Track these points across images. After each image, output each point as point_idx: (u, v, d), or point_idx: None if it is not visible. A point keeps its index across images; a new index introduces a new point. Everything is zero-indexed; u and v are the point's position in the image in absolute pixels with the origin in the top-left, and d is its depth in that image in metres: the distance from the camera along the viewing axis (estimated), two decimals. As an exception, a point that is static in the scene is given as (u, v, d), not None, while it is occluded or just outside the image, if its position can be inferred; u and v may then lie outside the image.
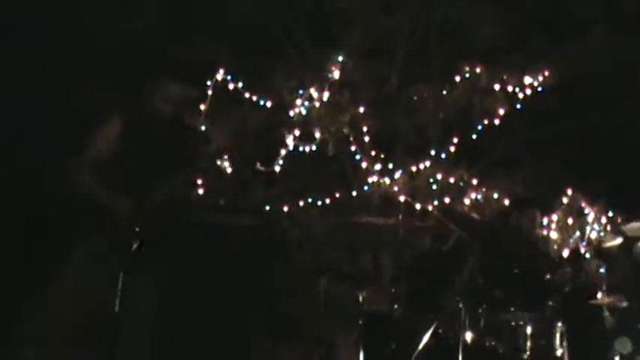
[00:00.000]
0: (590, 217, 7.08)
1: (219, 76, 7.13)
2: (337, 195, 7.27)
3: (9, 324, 4.58)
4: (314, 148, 7.33)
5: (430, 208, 7.10)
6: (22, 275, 5.22)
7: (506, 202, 7.08)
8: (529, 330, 5.35)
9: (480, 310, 5.26)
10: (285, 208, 7.11)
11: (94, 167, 3.97)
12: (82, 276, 3.93)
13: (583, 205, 7.13)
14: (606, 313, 5.73)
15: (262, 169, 7.18)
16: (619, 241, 6.15)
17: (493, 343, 5.25)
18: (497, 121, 7.49)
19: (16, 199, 5.50)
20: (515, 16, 7.85)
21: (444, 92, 7.63)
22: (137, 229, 3.78)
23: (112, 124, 4.06)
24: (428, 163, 7.31)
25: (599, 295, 5.68)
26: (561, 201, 7.16)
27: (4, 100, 5.64)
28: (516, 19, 7.86)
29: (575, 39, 7.91)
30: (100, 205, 3.91)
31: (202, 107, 6.88)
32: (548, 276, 5.62)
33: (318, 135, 7.29)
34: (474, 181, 7.23)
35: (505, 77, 7.45)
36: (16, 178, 5.56)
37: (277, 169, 7.24)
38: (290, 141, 7.25)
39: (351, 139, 7.39)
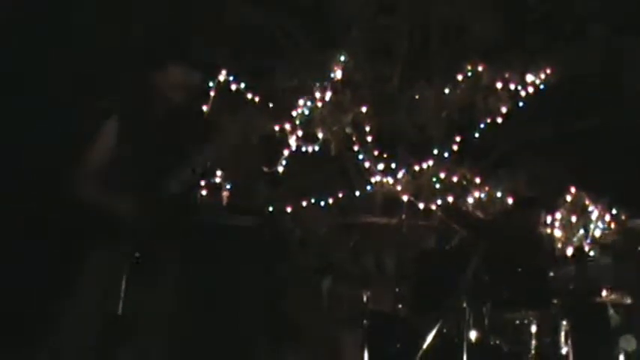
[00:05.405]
0: (594, 215, 7.06)
1: (222, 77, 7.13)
2: (340, 195, 7.28)
3: (23, 332, 4.57)
4: (317, 148, 7.33)
5: (433, 207, 7.09)
6: (32, 282, 5.21)
7: (510, 200, 7.07)
8: (534, 328, 5.34)
9: (485, 309, 5.25)
10: (289, 209, 7.11)
11: (98, 168, 3.92)
12: (92, 281, 3.91)
13: (587, 202, 7.11)
14: (611, 311, 5.71)
15: (265, 169, 7.18)
16: None
17: (498, 341, 5.24)
18: (499, 120, 7.49)
19: (20, 203, 5.49)
20: (515, 14, 7.85)
21: (446, 91, 7.62)
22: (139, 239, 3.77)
23: (112, 122, 3.98)
24: (431, 162, 7.30)
25: (604, 292, 5.66)
26: (565, 199, 7.14)
27: (8, 107, 5.64)
28: (515, 18, 7.85)
29: (575, 38, 7.91)
30: (104, 207, 3.87)
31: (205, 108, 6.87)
32: (552, 274, 5.59)
33: (320, 135, 7.29)
34: (477, 180, 7.22)
35: (507, 75, 7.44)
36: (19, 182, 5.55)
37: (280, 169, 7.24)
38: (293, 141, 7.25)
39: (354, 138, 7.39)
